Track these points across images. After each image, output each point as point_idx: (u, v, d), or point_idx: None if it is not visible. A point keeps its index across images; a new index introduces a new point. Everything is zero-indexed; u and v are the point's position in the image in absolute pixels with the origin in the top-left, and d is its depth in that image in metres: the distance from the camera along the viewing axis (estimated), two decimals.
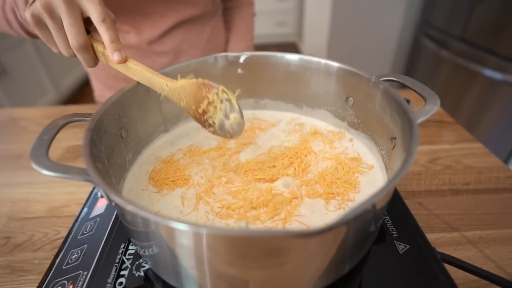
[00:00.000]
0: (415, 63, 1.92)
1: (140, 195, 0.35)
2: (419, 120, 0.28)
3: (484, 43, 1.37)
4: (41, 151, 0.26)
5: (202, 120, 0.35)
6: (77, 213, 0.46)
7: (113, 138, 0.33)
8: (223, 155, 0.40)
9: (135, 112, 0.37)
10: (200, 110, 0.35)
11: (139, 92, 0.37)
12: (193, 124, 0.46)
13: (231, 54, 0.43)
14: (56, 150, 0.60)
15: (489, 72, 1.34)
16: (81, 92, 2.72)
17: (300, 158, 0.38)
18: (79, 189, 0.50)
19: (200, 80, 0.35)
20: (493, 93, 1.36)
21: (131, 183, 0.36)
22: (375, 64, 2.10)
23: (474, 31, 1.42)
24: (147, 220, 0.22)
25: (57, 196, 0.49)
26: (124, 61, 0.34)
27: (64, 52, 0.36)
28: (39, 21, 0.34)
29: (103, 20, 0.33)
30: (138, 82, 0.36)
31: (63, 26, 0.33)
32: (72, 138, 0.63)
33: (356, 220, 0.21)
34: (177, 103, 0.35)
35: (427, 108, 0.30)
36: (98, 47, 0.35)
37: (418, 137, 0.25)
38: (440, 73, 1.66)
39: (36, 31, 0.35)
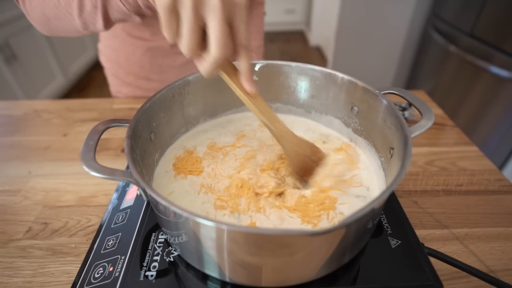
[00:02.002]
0: (423, 56, 1.93)
1: (162, 176, 0.41)
2: (414, 135, 0.33)
3: (492, 40, 1.37)
4: (89, 155, 0.31)
5: (297, 170, 0.39)
6: (104, 203, 0.51)
7: (145, 142, 0.38)
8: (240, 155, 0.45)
9: (162, 117, 0.41)
10: (299, 165, 0.38)
11: (165, 99, 0.41)
12: (208, 126, 0.50)
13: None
14: (78, 144, 0.65)
15: (495, 69, 1.35)
16: (88, 78, 2.76)
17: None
18: (105, 181, 0.55)
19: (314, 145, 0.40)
20: (498, 90, 1.37)
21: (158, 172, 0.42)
22: (383, 56, 2.10)
23: (483, 27, 1.42)
24: (179, 214, 0.27)
25: (84, 187, 0.54)
26: (254, 92, 0.34)
27: (190, 52, 0.30)
28: (173, 9, 0.28)
29: (247, 48, 0.31)
30: (166, 89, 0.41)
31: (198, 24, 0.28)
32: None
33: (355, 223, 0.25)
34: (284, 149, 0.38)
35: (422, 123, 0.34)
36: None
37: (411, 151, 0.30)
38: (447, 68, 1.67)
39: (165, 17, 0.28)
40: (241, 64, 0.32)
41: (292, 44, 3.36)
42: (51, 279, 0.40)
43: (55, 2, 0.46)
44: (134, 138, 0.34)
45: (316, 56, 3.09)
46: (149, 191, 0.26)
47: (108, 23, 0.47)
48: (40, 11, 0.48)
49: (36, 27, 0.53)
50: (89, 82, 2.71)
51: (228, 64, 0.33)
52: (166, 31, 0.29)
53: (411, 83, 2.06)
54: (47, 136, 0.68)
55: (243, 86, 0.33)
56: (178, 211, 0.24)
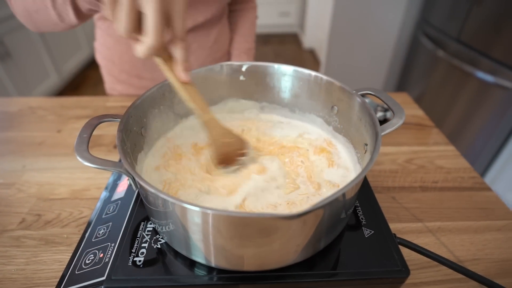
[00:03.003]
0: (412, 60, 1.97)
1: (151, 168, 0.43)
2: (384, 133, 0.35)
3: (478, 45, 1.42)
4: (83, 147, 0.33)
5: (218, 157, 0.42)
6: (96, 196, 0.53)
7: (136, 136, 0.40)
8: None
9: (152, 113, 0.44)
10: (223, 153, 0.41)
11: (156, 97, 0.44)
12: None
13: (235, 63, 0.50)
14: (72, 139, 0.67)
15: (481, 74, 1.39)
16: (83, 77, 2.76)
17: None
18: (97, 175, 0.57)
19: (242, 138, 0.42)
20: (484, 95, 1.41)
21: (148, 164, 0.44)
22: (374, 60, 2.15)
23: (470, 33, 1.47)
24: (166, 201, 0.29)
25: (78, 181, 0.56)
26: (188, 81, 0.36)
27: (125, 34, 0.32)
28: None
29: (183, 39, 0.33)
30: (157, 88, 0.43)
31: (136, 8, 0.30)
32: None
33: (328, 206, 0.28)
34: (207, 134, 0.41)
35: (394, 121, 0.37)
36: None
37: (380, 147, 0.32)
38: (436, 72, 1.71)
39: (108, 7, 0.31)
40: (177, 53, 0.34)
41: (286, 47, 3.40)
42: (43, 267, 0.42)
43: None
44: (126, 131, 0.36)
45: (310, 58, 3.13)
46: (137, 179, 0.28)
47: (78, 13, 0.49)
48: (22, 6, 0.51)
49: (22, 22, 0.55)
50: (83, 80, 2.71)
51: (164, 51, 0.34)
52: (106, 13, 0.31)
53: (401, 86, 2.11)
54: (41, 132, 0.70)
55: (177, 73, 0.35)
56: (166, 197, 0.27)
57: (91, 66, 2.89)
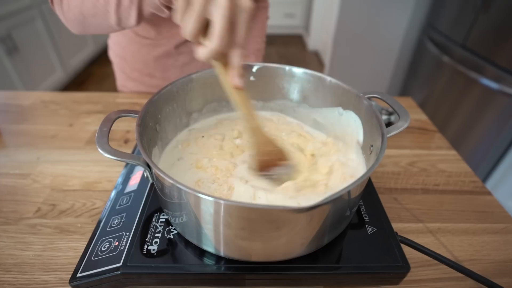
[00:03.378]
0: (417, 65, 1.98)
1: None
2: (390, 135, 0.37)
3: (484, 52, 1.42)
4: (103, 140, 0.35)
5: (259, 165, 0.42)
6: (108, 188, 0.55)
7: (151, 131, 0.42)
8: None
9: (166, 109, 0.46)
10: (264, 161, 0.41)
11: (170, 94, 0.46)
12: (210, 122, 0.55)
13: (245, 63, 0.52)
14: (84, 134, 0.69)
15: (486, 81, 1.39)
16: (88, 73, 2.78)
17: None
18: (109, 169, 0.59)
19: (284, 149, 0.42)
20: (488, 102, 1.42)
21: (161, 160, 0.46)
22: (379, 64, 2.16)
23: (475, 40, 1.47)
24: (181, 190, 0.30)
25: (90, 174, 0.58)
26: (241, 87, 0.37)
27: (191, 37, 0.34)
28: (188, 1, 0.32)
29: (243, 47, 0.35)
30: (171, 85, 0.45)
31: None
32: (97, 124, 0.72)
33: (333, 202, 0.29)
34: (252, 140, 0.41)
35: (399, 124, 0.39)
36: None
37: (385, 148, 0.34)
38: (440, 78, 1.71)
39: (180, 4, 0.33)
40: (234, 59, 0.35)
41: (290, 48, 3.41)
42: (59, 253, 0.44)
43: (94, 1, 0.50)
44: (142, 126, 0.38)
45: (314, 60, 3.15)
46: (155, 170, 0.30)
47: (140, 17, 0.51)
48: (78, 11, 0.53)
49: (68, 26, 0.57)
50: (88, 77, 2.74)
51: (222, 57, 0.36)
52: (176, 17, 0.34)
53: (405, 91, 2.12)
54: (54, 126, 0.72)
55: (231, 79, 0.37)
56: (181, 187, 0.29)
57: (96, 63, 2.92)
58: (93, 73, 2.80)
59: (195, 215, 0.33)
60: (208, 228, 0.33)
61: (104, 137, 0.35)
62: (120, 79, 0.86)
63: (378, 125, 0.38)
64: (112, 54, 0.84)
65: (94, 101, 0.81)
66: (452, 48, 1.61)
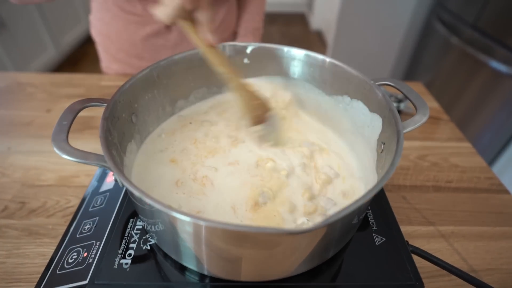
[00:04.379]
0: (424, 46, 1.89)
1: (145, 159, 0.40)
2: (406, 130, 0.31)
3: (495, 33, 1.35)
4: (62, 136, 0.29)
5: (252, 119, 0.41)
6: (86, 183, 0.50)
7: (125, 124, 0.35)
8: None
9: (145, 98, 0.39)
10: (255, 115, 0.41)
11: (149, 79, 0.39)
12: (196, 110, 0.48)
13: (239, 44, 0.45)
14: None
15: (495, 64, 1.33)
16: (82, 51, 2.67)
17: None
18: None
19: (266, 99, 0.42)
20: (495, 85, 1.36)
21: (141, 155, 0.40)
22: (384, 44, 2.06)
23: (487, 20, 1.39)
24: (152, 206, 0.25)
25: (67, 166, 0.52)
26: (214, 44, 0.35)
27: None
28: None
29: (208, 3, 0.32)
30: (149, 69, 0.38)
31: None
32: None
33: (338, 221, 0.24)
34: (239, 98, 0.40)
35: (416, 118, 0.33)
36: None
37: (402, 149, 0.28)
38: (447, 60, 1.64)
39: None
40: (202, 15, 0.32)
41: (292, 27, 3.27)
42: (25, 260, 0.39)
43: None
44: (112, 119, 0.32)
45: (316, 40, 3.02)
46: (120, 179, 0.24)
47: None
48: None
49: None
50: (83, 56, 2.62)
51: (188, 16, 0.33)
52: None
53: (410, 72, 2.04)
54: (30, 111, 0.65)
55: (203, 35, 0.34)
56: (150, 202, 0.23)
57: (91, 41, 2.79)
58: (88, 51, 2.68)
59: (171, 230, 0.27)
60: (187, 246, 0.27)
61: (62, 133, 0.29)
62: (105, 60, 0.78)
63: (393, 119, 0.32)
64: (95, 32, 0.76)
65: (75, 84, 0.74)
66: (462, 29, 1.53)
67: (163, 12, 0.31)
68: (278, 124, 0.44)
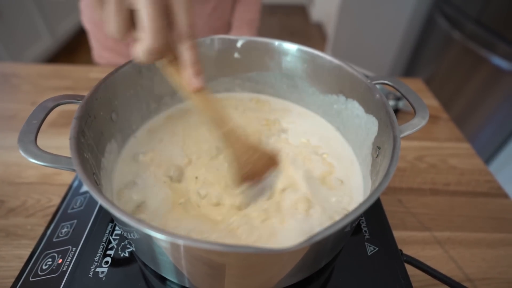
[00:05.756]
0: (425, 40, 1.86)
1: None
2: (403, 135, 0.29)
3: (499, 28, 1.32)
4: (30, 137, 0.27)
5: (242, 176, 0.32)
6: (68, 182, 0.47)
7: (103, 122, 0.33)
8: None
9: (126, 94, 0.37)
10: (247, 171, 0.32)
11: (130, 75, 0.36)
12: (183, 107, 0.46)
13: (228, 37, 0.42)
14: (50, 115, 0.60)
15: (496, 60, 1.31)
16: (78, 40, 2.60)
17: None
18: None
19: (271, 152, 0.33)
20: (496, 82, 1.34)
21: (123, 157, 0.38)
22: (384, 38, 2.02)
23: (491, 14, 1.37)
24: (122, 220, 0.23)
25: None
26: (201, 88, 0.28)
27: (119, 35, 0.25)
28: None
29: (190, 35, 0.26)
30: (131, 64, 0.36)
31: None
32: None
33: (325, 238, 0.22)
34: (228, 149, 0.32)
35: (415, 122, 0.31)
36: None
37: (398, 157, 0.26)
38: (448, 55, 1.62)
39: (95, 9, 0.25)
40: (185, 54, 0.27)
41: (292, 19, 3.21)
42: (1, 263, 0.37)
43: None
44: (86, 119, 0.29)
45: (316, 33, 2.97)
46: (87, 186, 0.22)
47: None
48: None
49: None
50: (80, 44, 2.56)
51: (168, 52, 0.27)
52: (96, 15, 0.25)
53: (410, 67, 2.01)
54: (13, 104, 0.63)
55: (187, 80, 0.28)
56: (121, 217, 0.21)
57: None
58: (85, 40, 2.62)
59: (148, 241, 0.25)
60: (166, 259, 0.25)
61: (31, 134, 0.27)
62: (96, 48, 0.75)
63: (389, 123, 0.30)
64: (85, 20, 0.73)
65: (63, 76, 0.71)
66: (464, 23, 1.50)
67: (139, 52, 0.25)
68: (274, 182, 0.35)
